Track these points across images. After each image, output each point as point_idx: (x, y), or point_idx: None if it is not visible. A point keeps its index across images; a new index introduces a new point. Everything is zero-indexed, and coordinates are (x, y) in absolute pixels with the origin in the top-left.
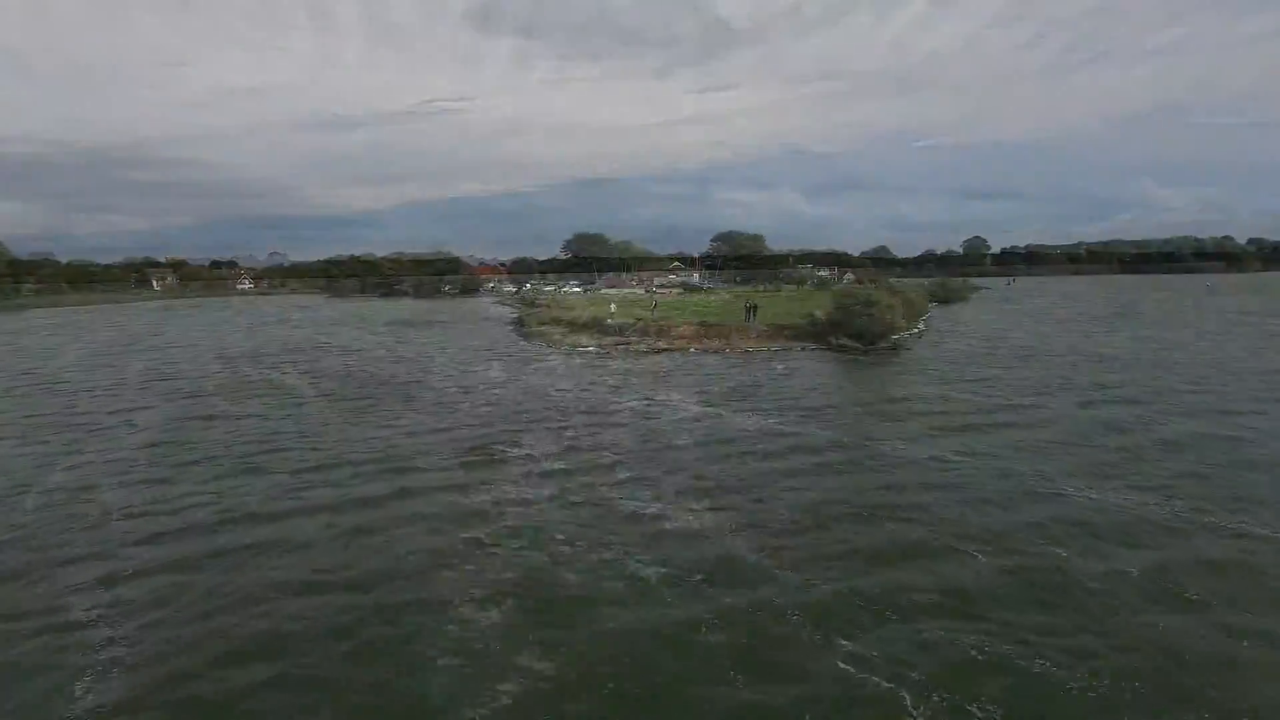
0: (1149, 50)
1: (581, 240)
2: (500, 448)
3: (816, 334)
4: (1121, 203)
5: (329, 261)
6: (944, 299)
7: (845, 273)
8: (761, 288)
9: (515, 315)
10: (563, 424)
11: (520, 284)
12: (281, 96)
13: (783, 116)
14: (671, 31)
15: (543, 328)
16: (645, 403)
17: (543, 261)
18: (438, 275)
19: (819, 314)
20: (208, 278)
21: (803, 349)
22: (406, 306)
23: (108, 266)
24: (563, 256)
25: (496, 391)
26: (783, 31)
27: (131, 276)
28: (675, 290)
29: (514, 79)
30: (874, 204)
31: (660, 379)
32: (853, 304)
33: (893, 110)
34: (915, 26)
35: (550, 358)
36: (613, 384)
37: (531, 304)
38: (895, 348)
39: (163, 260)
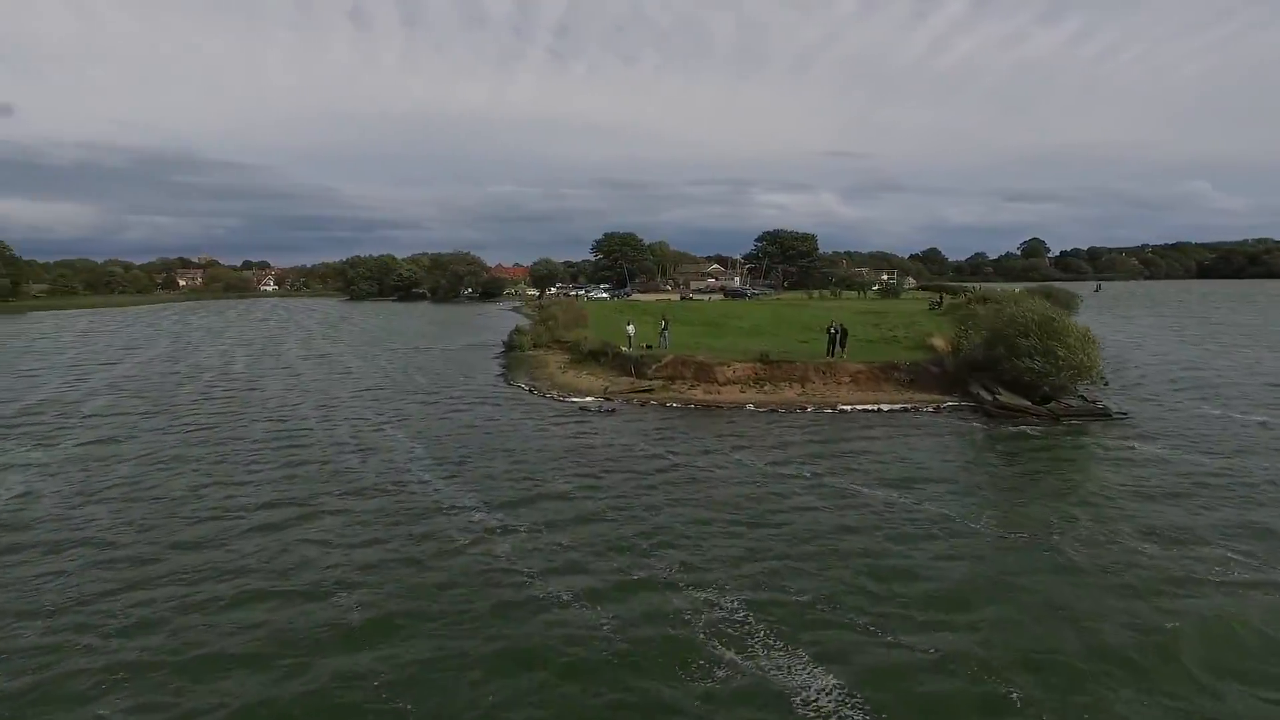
0: (1199, 48)
1: (612, 241)
2: None
3: (945, 379)
4: (1171, 204)
5: (347, 262)
6: None
7: (905, 276)
8: (815, 294)
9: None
10: None
11: (543, 288)
12: (320, 99)
13: (821, 118)
14: (706, 32)
15: (538, 353)
16: (616, 615)
17: (572, 264)
18: (458, 278)
19: (939, 343)
20: (233, 279)
21: (935, 409)
22: (414, 312)
23: (128, 268)
24: (592, 259)
25: (308, 552)
26: (820, 32)
27: (158, 278)
28: (715, 296)
29: (549, 80)
30: (913, 206)
31: (679, 489)
32: (1014, 334)
33: (932, 111)
34: (955, 25)
35: (523, 416)
36: (579, 512)
37: (545, 313)
38: (1102, 413)
39: (196, 260)
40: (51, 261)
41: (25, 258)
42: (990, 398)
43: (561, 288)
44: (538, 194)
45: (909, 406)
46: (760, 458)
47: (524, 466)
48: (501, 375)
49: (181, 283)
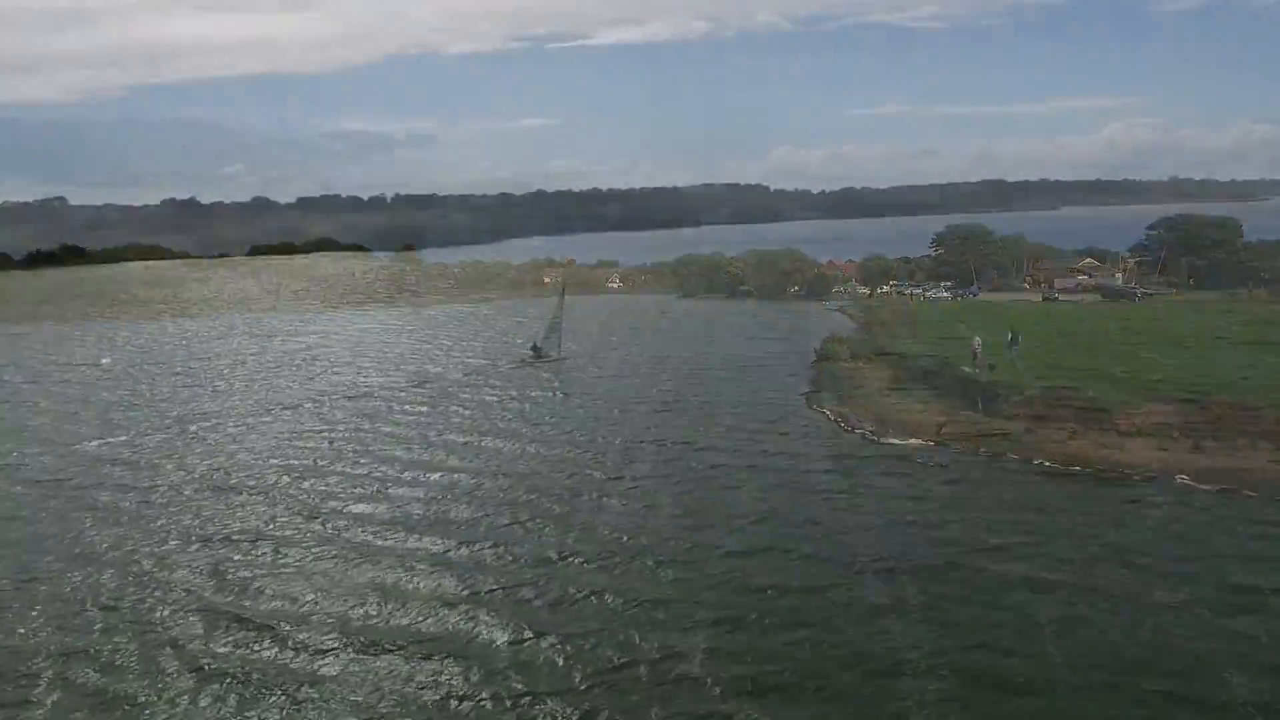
0: None
1: (955, 234)
2: None
3: None
4: None
5: (680, 260)
6: None
7: None
8: (1242, 294)
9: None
10: None
11: (874, 286)
12: (670, 110)
13: (1235, 78)
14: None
15: (857, 366)
16: None
17: (909, 260)
18: (784, 275)
19: None
20: (584, 277)
21: None
22: (738, 311)
23: (507, 268)
24: (931, 253)
25: None
26: None
27: (528, 276)
28: (1088, 297)
29: (889, 65)
30: None
31: (1056, 650)
32: None
33: None
34: None
35: (817, 459)
36: (879, 691)
37: (870, 316)
38: None
39: (560, 261)
40: (455, 263)
41: (432, 262)
42: None
43: (895, 285)
44: (871, 187)
45: None
46: (1216, 592)
47: (791, 559)
48: (805, 394)
49: (546, 280)
